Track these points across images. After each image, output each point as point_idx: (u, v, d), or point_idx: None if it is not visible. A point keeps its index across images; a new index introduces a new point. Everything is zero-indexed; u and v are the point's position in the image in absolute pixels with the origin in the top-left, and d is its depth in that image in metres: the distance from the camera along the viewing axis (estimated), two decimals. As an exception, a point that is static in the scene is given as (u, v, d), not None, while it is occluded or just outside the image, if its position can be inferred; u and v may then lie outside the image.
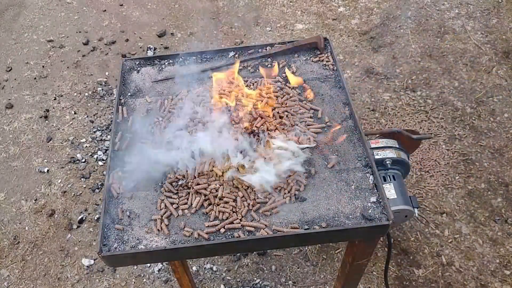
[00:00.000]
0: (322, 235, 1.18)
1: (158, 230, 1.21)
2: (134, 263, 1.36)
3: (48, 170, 3.20)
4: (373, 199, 1.23)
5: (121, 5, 4.41)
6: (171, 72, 1.62)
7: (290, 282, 2.63)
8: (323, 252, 2.73)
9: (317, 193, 1.27)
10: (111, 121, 3.44)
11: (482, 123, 3.24)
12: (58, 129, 3.45)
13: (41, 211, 3.01)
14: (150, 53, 3.90)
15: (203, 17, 4.23)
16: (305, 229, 1.19)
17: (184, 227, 1.20)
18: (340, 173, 1.31)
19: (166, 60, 1.66)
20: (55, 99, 3.65)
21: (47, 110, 3.56)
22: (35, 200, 3.06)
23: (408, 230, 2.77)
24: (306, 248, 2.73)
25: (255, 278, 2.65)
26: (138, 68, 1.65)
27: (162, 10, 4.36)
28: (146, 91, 1.57)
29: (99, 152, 3.26)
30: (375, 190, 1.26)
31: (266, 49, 1.64)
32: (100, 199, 3.02)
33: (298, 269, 2.68)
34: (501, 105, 3.34)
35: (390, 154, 1.53)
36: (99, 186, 3.08)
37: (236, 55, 1.64)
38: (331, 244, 2.75)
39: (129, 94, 1.57)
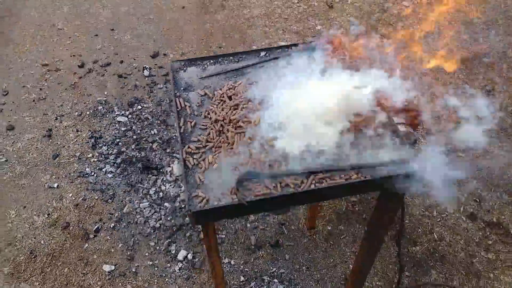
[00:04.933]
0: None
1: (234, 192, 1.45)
2: (218, 218, 1.57)
3: (57, 186, 3.31)
4: (404, 152, 1.55)
5: (112, 29, 4.63)
6: (213, 70, 1.89)
7: (304, 268, 2.87)
8: (330, 239, 3.00)
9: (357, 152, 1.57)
10: (115, 136, 3.61)
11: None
12: (63, 146, 3.57)
13: (55, 224, 3.10)
14: (146, 73, 4.12)
15: (193, 38, 4.52)
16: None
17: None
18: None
19: (207, 61, 1.93)
20: (56, 119, 3.77)
21: (50, 130, 3.68)
22: (48, 215, 3.15)
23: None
24: (315, 236, 3.00)
25: (271, 267, 2.87)
26: (184, 68, 1.90)
27: (152, 33, 4.61)
28: (196, 85, 1.83)
29: (107, 166, 3.41)
30: (402, 147, 1.57)
31: (292, 48, 1.95)
32: (113, 209, 3.17)
33: (310, 256, 2.92)
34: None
35: (402, 129, 1.85)
36: (111, 197, 3.22)
37: (267, 54, 1.94)
38: (336, 231, 3.03)
39: (181, 88, 1.82)
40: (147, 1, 5.04)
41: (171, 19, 4.78)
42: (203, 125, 1.66)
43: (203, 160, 1.55)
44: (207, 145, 1.59)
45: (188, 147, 1.58)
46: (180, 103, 1.74)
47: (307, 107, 1.52)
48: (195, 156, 1.56)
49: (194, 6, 4.95)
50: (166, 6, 4.95)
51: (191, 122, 1.67)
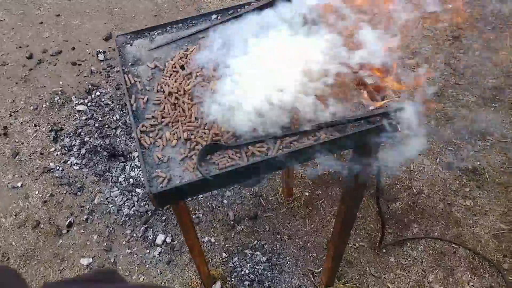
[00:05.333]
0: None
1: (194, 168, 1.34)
2: (182, 197, 1.47)
3: (21, 184, 3.13)
4: (371, 107, 1.46)
5: (58, 15, 4.36)
6: (162, 40, 1.74)
7: (285, 237, 2.82)
8: (309, 205, 2.94)
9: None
10: (76, 126, 3.42)
11: (421, 70, 3.64)
12: (22, 143, 3.37)
13: (24, 224, 2.95)
14: (101, 57, 3.91)
15: (146, 16, 4.30)
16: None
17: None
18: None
19: (155, 31, 1.78)
20: (10, 115, 3.55)
21: (5, 127, 3.46)
22: (15, 216, 2.99)
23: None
24: (293, 204, 2.94)
25: (252, 240, 2.81)
26: (131, 42, 1.75)
27: (102, 15, 4.36)
28: (145, 59, 1.68)
29: (72, 158, 3.24)
30: (370, 101, 1.48)
31: (244, 8, 1.81)
32: (84, 201, 3.02)
33: (289, 224, 2.87)
34: (432, 53, 3.77)
35: (369, 81, 1.77)
36: (80, 189, 3.07)
37: (219, 17, 1.80)
38: (314, 196, 2.98)
39: (129, 63, 1.67)
40: (93, -19, 4.76)
41: (121, -3, 4.53)
42: (156, 100, 1.53)
43: (160, 137, 1.43)
44: (163, 121, 1.47)
45: (143, 126, 1.46)
46: (129, 79, 1.60)
47: (266, 69, 1.41)
48: (151, 135, 1.44)
49: (145, -18, 4.70)
50: (115, -16, 4.68)
51: (143, 99, 1.54)
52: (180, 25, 1.80)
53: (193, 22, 1.80)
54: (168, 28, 1.79)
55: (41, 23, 4.30)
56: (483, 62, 3.65)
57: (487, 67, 3.62)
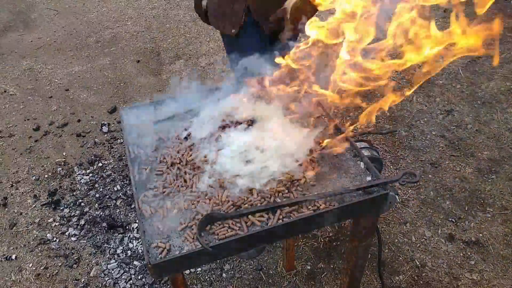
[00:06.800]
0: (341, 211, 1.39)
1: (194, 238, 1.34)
2: (181, 269, 1.44)
3: (16, 257, 3.07)
4: (369, 178, 1.49)
5: (67, 90, 4.55)
6: (167, 113, 1.82)
7: (287, 313, 2.71)
8: (311, 279, 2.86)
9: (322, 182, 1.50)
10: (77, 197, 3.43)
11: (417, 142, 3.72)
12: (21, 214, 3.36)
13: (14, 299, 2.85)
14: (105, 129, 4.02)
15: (150, 90, 4.49)
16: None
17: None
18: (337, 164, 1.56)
19: (160, 105, 1.87)
20: (12, 186, 3.57)
21: (5, 198, 3.47)
22: (6, 290, 2.90)
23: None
24: (295, 277, 2.86)
25: (253, 317, 2.69)
26: (135, 114, 1.83)
27: (108, 89, 4.55)
28: (149, 131, 1.75)
29: (70, 229, 3.21)
30: (368, 172, 1.52)
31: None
32: (79, 274, 2.95)
33: (292, 300, 2.77)
34: (427, 125, 3.88)
35: (366, 153, 1.82)
36: (76, 261, 3.01)
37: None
38: (316, 269, 2.90)
39: (134, 135, 1.73)
40: (100, 58, 5.03)
41: (126, 74, 4.76)
42: (159, 171, 1.57)
43: (161, 207, 1.44)
44: (164, 191, 1.49)
45: (144, 196, 1.48)
46: (133, 150, 1.65)
47: (264, 138, 1.47)
48: (152, 204, 1.46)
49: (149, 59, 4.97)
50: (120, 62, 4.94)
51: (146, 169, 1.58)
52: (184, 99, 1.88)
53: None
54: (172, 102, 1.88)
55: (51, 97, 4.47)
56: (476, 135, 3.75)
57: (480, 139, 3.71)
